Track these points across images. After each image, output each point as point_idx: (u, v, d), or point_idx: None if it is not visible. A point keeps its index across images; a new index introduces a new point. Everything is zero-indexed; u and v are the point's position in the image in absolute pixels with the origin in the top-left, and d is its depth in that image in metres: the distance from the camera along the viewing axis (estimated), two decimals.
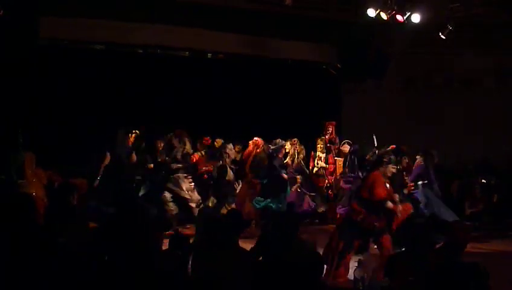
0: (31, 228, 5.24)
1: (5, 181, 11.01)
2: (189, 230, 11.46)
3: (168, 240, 6.08)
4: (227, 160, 12.50)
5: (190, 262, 5.83)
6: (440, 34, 13.86)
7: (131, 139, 12.75)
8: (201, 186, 12.68)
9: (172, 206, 11.99)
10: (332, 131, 14.31)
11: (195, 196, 12.14)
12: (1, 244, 5.00)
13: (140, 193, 12.65)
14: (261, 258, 6.24)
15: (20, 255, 4.94)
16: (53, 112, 13.65)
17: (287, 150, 13.49)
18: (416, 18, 13.20)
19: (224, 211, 9.07)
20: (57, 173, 11.95)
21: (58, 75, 13.68)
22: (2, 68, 12.46)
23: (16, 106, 13.02)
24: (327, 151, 14.05)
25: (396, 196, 9.19)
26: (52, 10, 12.43)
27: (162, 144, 12.89)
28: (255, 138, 13.03)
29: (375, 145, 13.40)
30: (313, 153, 14.26)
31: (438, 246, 6.38)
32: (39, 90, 13.41)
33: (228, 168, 12.26)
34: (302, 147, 13.79)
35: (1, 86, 12.58)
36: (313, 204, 13.64)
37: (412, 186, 12.29)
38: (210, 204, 11.84)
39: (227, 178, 9.70)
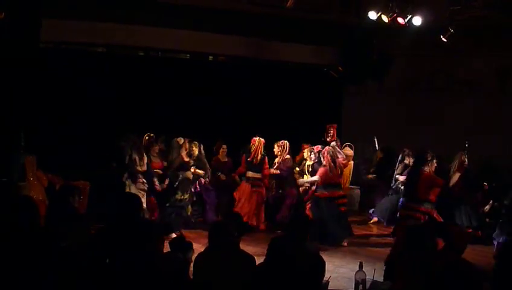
0: (32, 230, 5.24)
1: (6, 183, 11.04)
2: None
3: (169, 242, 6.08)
4: None
5: (191, 265, 5.83)
6: (441, 36, 13.86)
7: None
8: None
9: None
10: (333, 133, 14.28)
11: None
12: (2, 247, 5.00)
13: None
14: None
15: (21, 257, 4.94)
16: (54, 115, 13.66)
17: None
18: (417, 21, 13.18)
19: None
20: (58, 176, 11.98)
21: (59, 78, 13.68)
22: (3, 71, 12.46)
23: (17, 109, 13.02)
24: None
25: None
26: (54, 13, 12.43)
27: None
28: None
29: (377, 147, 13.46)
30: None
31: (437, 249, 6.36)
32: (40, 92, 13.41)
33: None
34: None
35: (2, 88, 12.57)
36: None
37: None
38: None
39: None
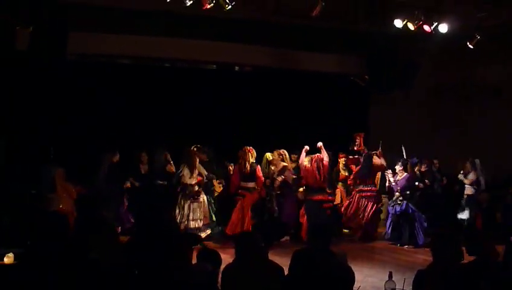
0: (61, 243, 5.26)
1: (36, 196, 11.15)
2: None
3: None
4: None
5: (220, 276, 5.81)
6: (468, 43, 13.75)
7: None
8: None
9: None
10: (360, 142, 14.23)
11: None
12: (33, 262, 5.03)
13: None
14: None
15: (49, 270, 4.96)
16: (82, 127, 13.77)
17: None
18: (443, 28, 13.14)
19: None
20: (87, 189, 12.08)
21: (86, 90, 13.80)
22: (32, 84, 12.61)
23: (46, 121, 13.17)
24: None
25: None
26: (80, 25, 12.56)
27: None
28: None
29: (404, 156, 13.38)
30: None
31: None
32: (69, 105, 13.54)
33: None
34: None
35: (31, 101, 12.72)
36: None
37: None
38: None
39: None
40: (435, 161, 14.49)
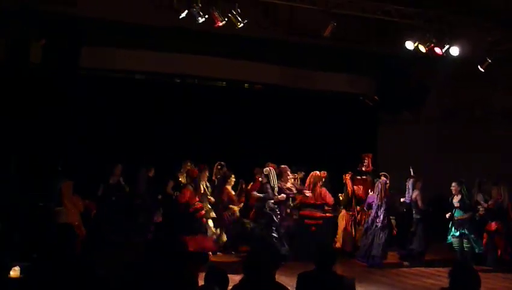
0: (70, 259, 5.25)
1: (43, 208, 11.14)
2: None
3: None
4: None
5: None
6: (479, 67, 13.74)
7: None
8: None
9: None
10: (368, 163, 14.18)
11: None
12: (41, 275, 5.02)
13: None
14: None
15: (57, 286, 4.95)
16: (92, 141, 13.77)
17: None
18: (455, 51, 13.11)
19: None
20: (94, 202, 12.10)
21: (98, 104, 13.82)
22: (44, 97, 12.63)
23: (56, 135, 13.17)
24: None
25: None
26: (93, 40, 12.61)
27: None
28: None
29: (412, 176, 13.35)
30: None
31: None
32: (79, 119, 13.55)
33: None
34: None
35: (42, 114, 12.74)
36: None
37: None
38: None
39: None
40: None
